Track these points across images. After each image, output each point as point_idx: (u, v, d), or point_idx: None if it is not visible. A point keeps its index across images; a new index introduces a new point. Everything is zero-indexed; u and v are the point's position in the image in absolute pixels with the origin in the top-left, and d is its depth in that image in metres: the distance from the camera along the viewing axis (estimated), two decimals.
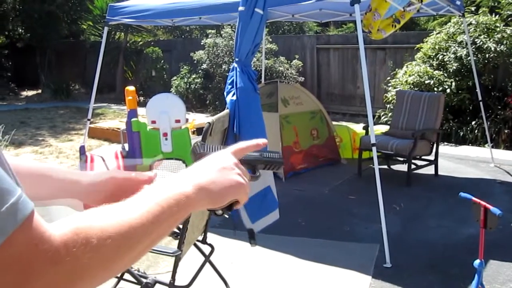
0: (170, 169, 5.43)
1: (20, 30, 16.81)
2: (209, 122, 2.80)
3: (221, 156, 0.85)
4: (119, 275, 2.61)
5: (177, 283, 2.55)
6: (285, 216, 4.45)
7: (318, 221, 4.58)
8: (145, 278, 2.53)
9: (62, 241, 0.57)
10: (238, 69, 3.60)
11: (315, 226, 4.46)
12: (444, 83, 7.65)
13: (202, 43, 11.38)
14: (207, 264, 2.85)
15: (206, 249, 2.96)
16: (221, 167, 0.82)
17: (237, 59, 3.66)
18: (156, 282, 2.53)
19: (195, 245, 2.89)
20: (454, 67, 7.75)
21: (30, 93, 15.89)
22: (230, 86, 3.65)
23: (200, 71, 11.69)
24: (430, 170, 5.95)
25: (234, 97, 3.55)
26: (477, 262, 2.47)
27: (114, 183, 0.98)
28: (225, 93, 3.70)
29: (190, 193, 0.74)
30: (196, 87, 11.66)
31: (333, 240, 4.11)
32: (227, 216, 3.89)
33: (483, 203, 2.39)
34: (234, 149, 0.88)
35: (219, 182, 0.79)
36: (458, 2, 5.75)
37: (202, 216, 2.79)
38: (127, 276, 2.56)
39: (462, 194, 2.53)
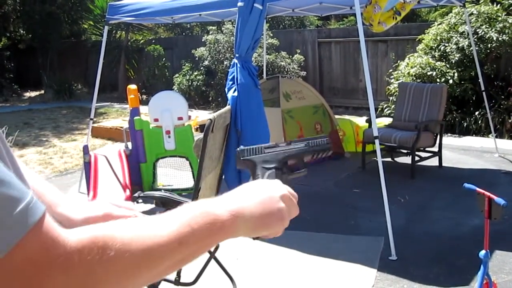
0: (174, 166, 5.44)
1: (22, 31, 16.86)
2: (210, 119, 2.80)
3: (272, 184, 0.82)
4: None
5: (182, 280, 2.55)
6: None
7: (323, 215, 4.58)
8: None
9: (76, 248, 0.55)
10: (238, 65, 3.60)
11: (319, 220, 4.46)
12: (447, 74, 7.62)
13: (203, 40, 11.36)
14: (213, 261, 2.85)
15: None
16: (267, 196, 0.78)
17: (237, 55, 3.66)
18: (161, 279, 2.53)
19: None
20: (456, 58, 7.72)
21: (33, 94, 15.94)
22: (231, 82, 3.65)
23: (201, 68, 11.68)
24: (434, 161, 5.93)
25: (235, 93, 3.55)
26: (482, 252, 2.47)
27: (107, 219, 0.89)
28: (226, 89, 3.70)
29: (225, 220, 0.70)
30: (198, 84, 11.65)
31: (338, 234, 4.11)
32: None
33: (487, 193, 2.38)
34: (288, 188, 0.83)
35: (259, 215, 0.75)
36: None
37: None
38: None
39: (466, 185, 2.52)
